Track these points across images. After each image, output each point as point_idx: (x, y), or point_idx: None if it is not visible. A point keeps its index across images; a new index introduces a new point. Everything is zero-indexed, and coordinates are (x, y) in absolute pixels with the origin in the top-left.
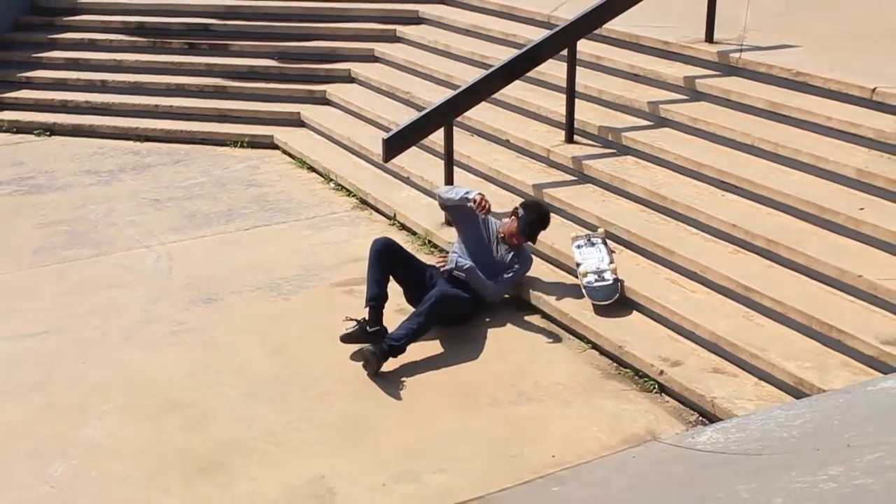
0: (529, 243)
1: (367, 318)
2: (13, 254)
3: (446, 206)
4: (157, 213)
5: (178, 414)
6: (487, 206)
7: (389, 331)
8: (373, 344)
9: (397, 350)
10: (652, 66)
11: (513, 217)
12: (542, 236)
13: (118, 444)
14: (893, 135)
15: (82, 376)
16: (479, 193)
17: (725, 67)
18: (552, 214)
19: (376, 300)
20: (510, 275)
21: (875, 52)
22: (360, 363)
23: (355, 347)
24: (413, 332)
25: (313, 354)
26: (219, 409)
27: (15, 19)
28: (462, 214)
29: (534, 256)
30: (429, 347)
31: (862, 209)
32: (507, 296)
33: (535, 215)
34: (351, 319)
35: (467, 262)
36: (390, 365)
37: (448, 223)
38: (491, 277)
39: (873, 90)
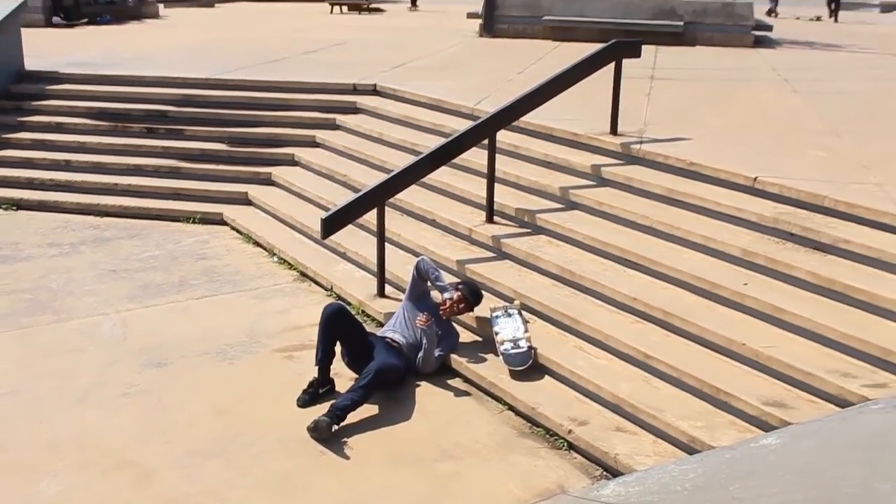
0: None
1: (315, 378)
2: None
3: (426, 278)
4: (114, 283)
5: (127, 471)
6: (449, 313)
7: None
8: (326, 414)
9: (341, 419)
10: (563, 154)
11: (457, 294)
12: None
13: (70, 500)
14: (772, 219)
15: (38, 435)
16: (450, 298)
17: (627, 157)
18: None
19: (324, 361)
20: (442, 351)
21: (756, 144)
22: (310, 427)
23: (294, 409)
24: (354, 403)
25: (255, 415)
26: (166, 467)
27: None
28: (424, 293)
29: (458, 327)
30: (362, 408)
31: (746, 284)
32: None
33: (476, 292)
34: (305, 392)
35: (425, 340)
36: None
37: (381, 294)
38: (427, 347)
39: (755, 179)
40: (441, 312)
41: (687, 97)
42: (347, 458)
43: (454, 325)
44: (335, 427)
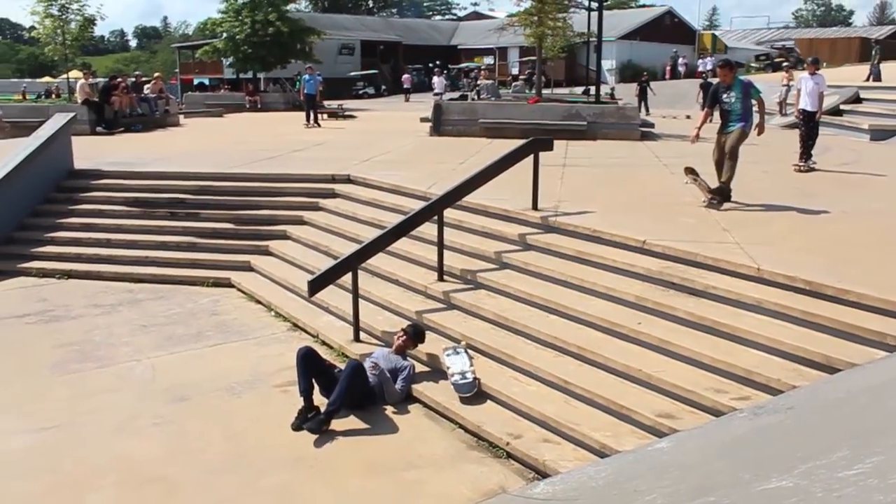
0: (411, 359)
1: (303, 406)
2: (35, 367)
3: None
4: (144, 336)
5: (158, 486)
6: (401, 348)
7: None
8: (313, 421)
9: (334, 412)
10: (497, 226)
11: (403, 335)
12: (423, 347)
13: None
14: (658, 271)
15: (83, 459)
16: (398, 337)
17: (546, 227)
18: (428, 333)
19: (306, 391)
20: (404, 382)
21: (644, 215)
22: (308, 426)
23: (289, 432)
24: (340, 396)
25: (259, 438)
26: (189, 482)
27: (44, 195)
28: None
29: (415, 362)
30: (341, 429)
31: (640, 323)
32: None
33: (419, 331)
34: (297, 418)
35: (382, 376)
36: (316, 443)
37: (356, 340)
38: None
39: (644, 241)
40: (394, 348)
41: (591, 179)
42: (333, 470)
43: (409, 358)
44: (325, 427)
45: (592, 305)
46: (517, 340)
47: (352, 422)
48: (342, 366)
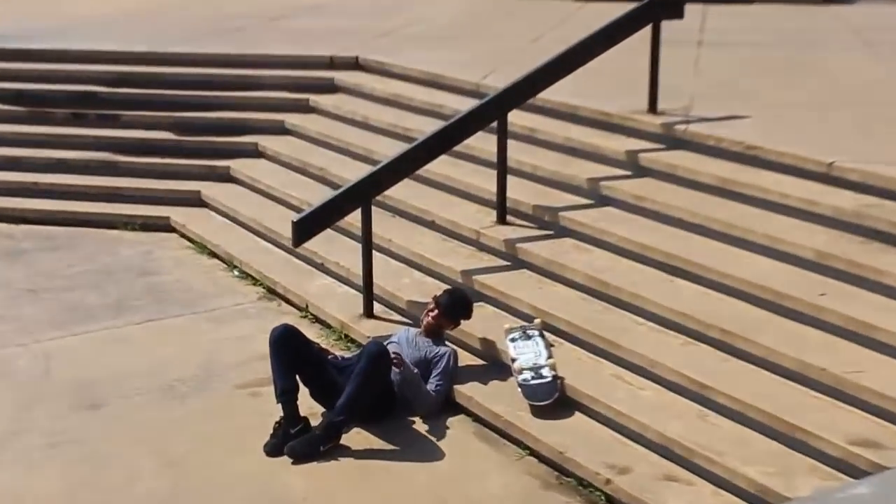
0: (451, 345)
1: (282, 416)
2: None
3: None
4: (33, 307)
5: None
6: (428, 328)
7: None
8: (301, 441)
9: (340, 426)
10: (591, 138)
11: (434, 308)
12: (471, 327)
13: None
14: (853, 213)
15: None
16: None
17: (671, 140)
18: (483, 304)
19: (287, 393)
20: (440, 381)
21: (832, 123)
22: (290, 447)
23: (262, 459)
24: (353, 400)
25: (213, 467)
26: None
27: None
28: None
29: (463, 351)
30: (342, 456)
31: (823, 294)
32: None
33: (459, 300)
34: (273, 436)
35: (407, 371)
36: (302, 477)
37: (368, 315)
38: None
39: (830, 164)
40: (424, 329)
41: (743, 67)
42: None
43: (448, 344)
44: (323, 448)
45: (746, 265)
46: (623, 318)
47: (361, 442)
48: (345, 354)
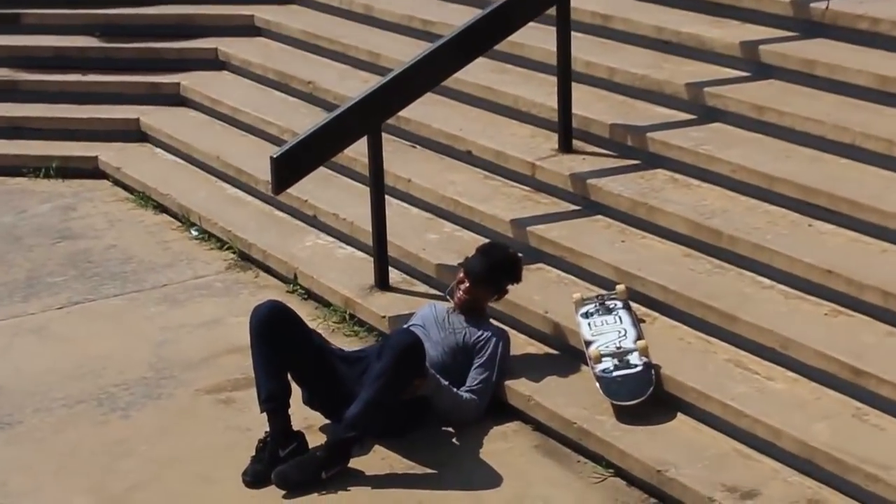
0: (499, 324)
1: (269, 432)
2: None
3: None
4: None
5: None
6: (460, 303)
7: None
8: (295, 463)
9: (353, 443)
10: (690, 27)
11: (462, 277)
12: (526, 299)
13: None
14: None
15: None
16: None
17: (805, 25)
18: (542, 266)
19: (276, 398)
20: (483, 376)
21: None
22: (278, 484)
23: (241, 492)
24: (373, 405)
25: None
26: None
27: None
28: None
29: (516, 333)
30: (355, 484)
31: None
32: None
33: (500, 260)
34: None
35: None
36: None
37: (381, 285)
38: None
39: None
40: (456, 303)
41: None
42: None
43: (492, 323)
44: (328, 472)
45: None
46: (742, 280)
47: (378, 464)
48: (352, 347)
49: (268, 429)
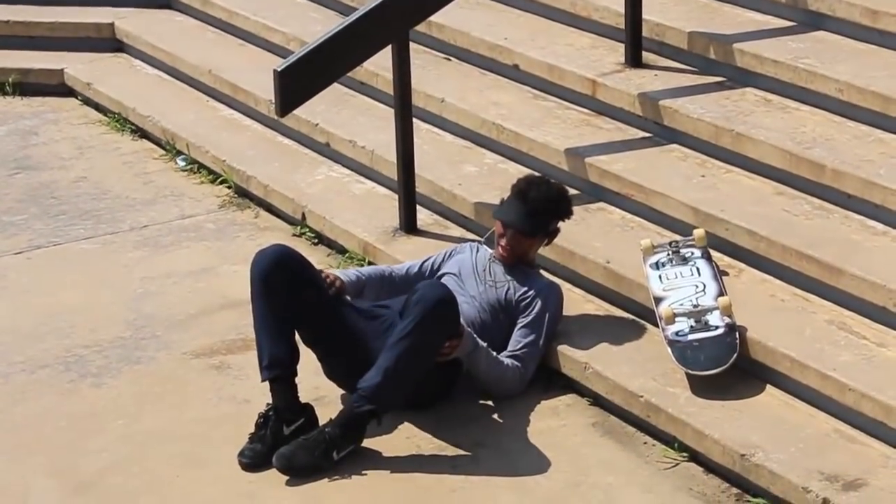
0: (549, 276)
1: (271, 405)
2: None
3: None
4: None
5: None
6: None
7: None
8: (300, 443)
9: (367, 417)
10: None
11: (500, 228)
12: (587, 245)
13: None
14: None
15: None
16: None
17: None
18: (604, 206)
19: (281, 364)
20: (531, 340)
21: None
22: (281, 454)
23: (237, 475)
24: (391, 376)
25: (155, 491)
26: None
27: None
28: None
29: (570, 286)
30: (373, 467)
31: None
32: None
33: (535, 190)
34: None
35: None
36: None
37: (408, 228)
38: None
39: None
40: (498, 253)
41: None
42: None
43: (541, 274)
44: (340, 452)
45: None
46: (849, 224)
47: (402, 443)
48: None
49: (270, 401)
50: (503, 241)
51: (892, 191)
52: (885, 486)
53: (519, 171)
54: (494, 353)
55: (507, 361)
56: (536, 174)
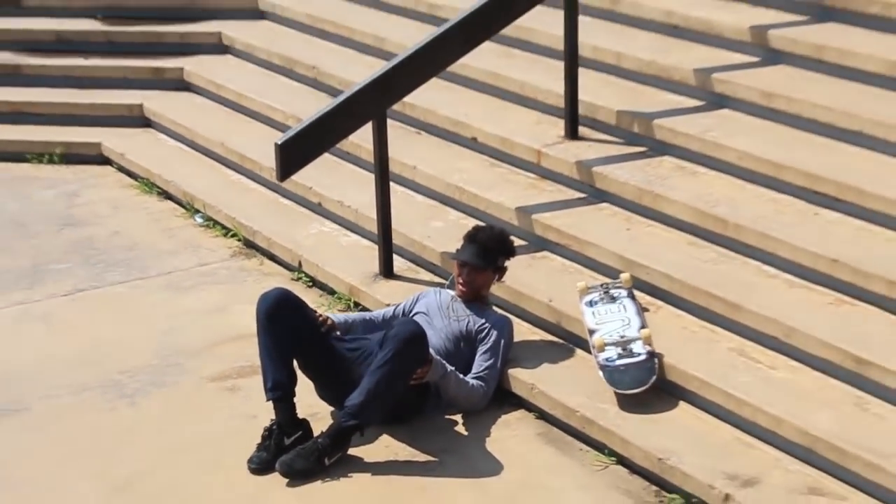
0: (501, 311)
1: (275, 420)
2: None
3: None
4: None
5: None
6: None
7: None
8: (299, 452)
9: (356, 429)
10: (700, 10)
11: (461, 266)
12: (533, 287)
13: None
14: None
15: None
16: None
17: (816, 9)
18: (547, 254)
19: (282, 387)
20: (489, 364)
21: None
22: (283, 462)
23: (245, 479)
24: (376, 394)
25: (179, 492)
26: None
27: None
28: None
29: (519, 321)
30: (357, 471)
31: None
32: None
33: (482, 234)
34: (262, 447)
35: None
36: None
37: (386, 273)
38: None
39: None
40: (459, 291)
41: None
42: None
43: (494, 310)
44: (331, 458)
45: None
46: (747, 269)
47: (382, 451)
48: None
49: (273, 417)
50: (461, 279)
51: (782, 241)
52: (777, 483)
53: (474, 224)
54: (461, 376)
55: (473, 382)
56: (485, 224)
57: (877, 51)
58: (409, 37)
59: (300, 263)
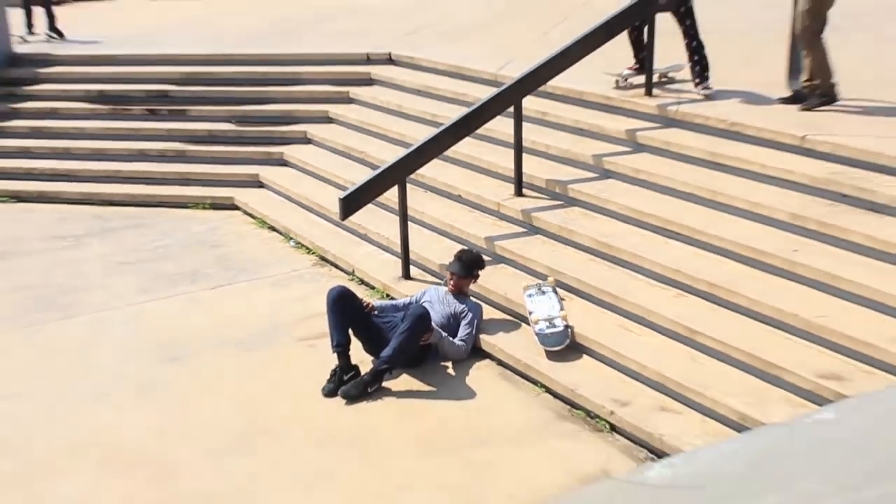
0: (476, 300)
1: (338, 365)
2: None
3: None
4: (122, 276)
5: (149, 469)
6: (454, 288)
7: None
8: (353, 384)
9: (386, 371)
10: (595, 120)
11: (450, 275)
12: (496, 286)
13: (92, 501)
14: (823, 179)
15: (55, 437)
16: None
17: (665, 120)
18: (504, 266)
19: (342, 345)
20: (467, 331)
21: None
22: (344, 391)
23: (320, 400)
24: (399, 351)
25: (279, 407)
26: (189, 464)
27: None
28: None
29: (487, 306)
30: (387, 396)
31: (796, 251)
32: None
33: (470, 259)
34: (330, 381)
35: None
36: (354, 413)
37: (406, 277)
38: (450, 329)
39: (803, 137)
40: (450, 287)
41: (725, 51)
42: (377, 447)
43: (472, 298)
44: (370, 390)
45: (729, 227)
46: (624, 275)
47: (402, 384)
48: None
49: (337, 363)
50: (451, 282)
51: (645, 258)
52: (642, 404)
53: (460, 248)
54: (451, 339)
55: (458, 343)
56: (466, 248)
57: (701, 144)
58: (420, 133)
59: (353, 270)
